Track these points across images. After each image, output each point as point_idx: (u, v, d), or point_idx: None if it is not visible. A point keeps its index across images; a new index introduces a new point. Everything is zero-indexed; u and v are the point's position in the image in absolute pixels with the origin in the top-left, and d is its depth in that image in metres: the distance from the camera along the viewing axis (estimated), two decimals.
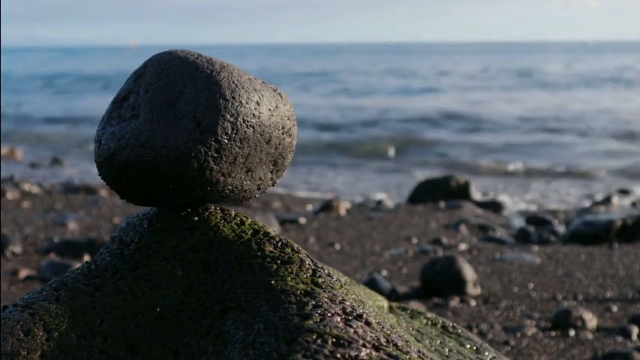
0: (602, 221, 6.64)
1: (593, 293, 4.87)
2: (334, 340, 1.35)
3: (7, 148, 14.52)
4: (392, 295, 4.67)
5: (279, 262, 1.59)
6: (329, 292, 1.52)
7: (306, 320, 1.40)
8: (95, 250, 5.71)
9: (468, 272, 4.85)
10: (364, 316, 1.47)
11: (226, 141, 1.59)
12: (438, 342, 1.87)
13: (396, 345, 1.42)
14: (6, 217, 7.51)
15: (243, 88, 1.62)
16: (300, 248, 1.66)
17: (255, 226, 1.70)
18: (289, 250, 1.64)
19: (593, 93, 26.44)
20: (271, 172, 1.74)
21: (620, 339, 4.01)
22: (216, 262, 1.62)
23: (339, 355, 1.30)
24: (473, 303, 4.65)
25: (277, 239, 1.67)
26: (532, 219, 7.86)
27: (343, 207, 8.36)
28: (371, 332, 1.41)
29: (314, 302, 1.46)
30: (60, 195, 9.33)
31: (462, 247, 6.29)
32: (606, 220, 6.65)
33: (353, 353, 1.31)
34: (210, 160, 1.59)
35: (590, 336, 4.04)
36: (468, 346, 1.92)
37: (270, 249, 1.63)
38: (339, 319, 1.42)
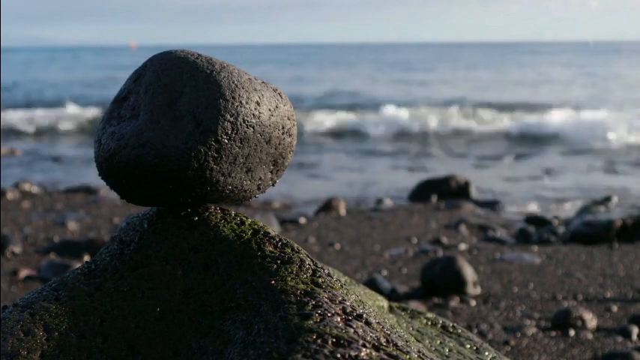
0: (602, 221, 6.64)
1: (593, 293, 4.87)
2: (334, 340, 1.35)
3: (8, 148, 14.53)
4: (392, 295, 4.67)
5: (279, 262, 1.59)
6: (329, 292, 1.52)
7: (306, 320, 1.40)
8: (95, 250, 5.71)
9: (468, 272, 4.85)
10: (364, 316, 1.47)
11: (226, 141, 1.59)
12: (438, 342, 1.87)
13: (396, 345, 1.42)
14: (6, 217, 7.51)
15: (243, 88, 1.62)
16: (300, 248, 1.66)
17: (255, 226, 1.70)
18: (289, 250, 1.64)
19: None
20: (271, 172, 1.74)
21: (620, 339, 4.01)
22: (216, 262, 1.62)
23: (339, 355, 1.30)
24: (473, 303, 4.65)
25: (277, 239, 1.67)
26: (532, 219, 7.86)
27: (343, 207, 8.36)
28: (371, 332, 1.41)
29: (314, 302, 1.46)
30: (60, 195, 9.33)
31: (462, 247, 6.29)
32: (606, 220, 6.65)
33: (353, 353, 1.31)
34: (210, 160, 1.59)
35: (590, 336, 4.04)
36: (468, 346, 1.92)
37: (270, 249, 1.63)
38: (339, 319, 1.42)
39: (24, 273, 5.34)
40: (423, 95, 25.20)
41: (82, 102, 22.44)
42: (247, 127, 1.62)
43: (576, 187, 10.23)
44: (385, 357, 1.34)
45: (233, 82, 1.61)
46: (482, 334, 4.07)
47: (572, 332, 4.08)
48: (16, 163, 13.09)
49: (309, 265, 1.60)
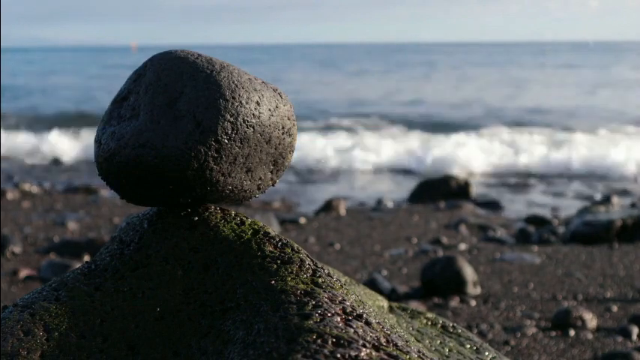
0: (602, 221, 6.64)
1: (593, 293, 4.87)
2: (334, 340, 1.35)
3: None
4: (392, 295, 4.67)
5: (279, 262, 1.59)
6: (329, 292, 1.52)
7: (306, 320, 1.40)
8: (95, 250, 5.71)
9: (468, 272, 4.85)
10: (364, 316, 1.47)
11: (226, 141, 1.59)
12: (438, 342, 1.87)
13: (396, 345, 1.42)
14: (6, 217, 7.51)
15: (243, 88, 1.62)
16: (300, 248, 1.66)
17: (255, 226, 1.70)
18: (289, 250, 1.64)
19: None
20: (271, 172, 1.74)
21: (620, 339, 4.01)
22: (216, 262, 1.62)
23: (339, 355, 1.30)
24: (473, 303, 4.65)
25: (277, 239, 1.67)
26: (532, 219, 7.86)
27: (343, 207, 8.36)
28: (371, 332, 1.41)
29: (314, 302, 1.46)
30: (60, 195, 9.33)
31: (462, 247, 6.29)
32: (606, 220, 6.65)
33: (353, 353, 1.31)
34: (210, 160, 1.59)
35: (590, 336, 4.04)
36: (468, 346, 1.92)
37: (270, 249, 1.63)
38: (339, 319, 1.42)
39: (24, 273, 5.34)
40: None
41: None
42: (247, 127, 1.62)
43: None
44: (385, 357, 1.34)
45: (233, 82, 1.61)
46: (482, 334, 4.07)
47: (572, 332, 4.08)
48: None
49: (309, 265, 1.60)
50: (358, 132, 16.59)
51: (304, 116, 18.55)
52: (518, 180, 11.46)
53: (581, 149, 13.17)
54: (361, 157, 13.34)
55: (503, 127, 16.66)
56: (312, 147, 14.03)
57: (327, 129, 17.27)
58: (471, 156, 13.02)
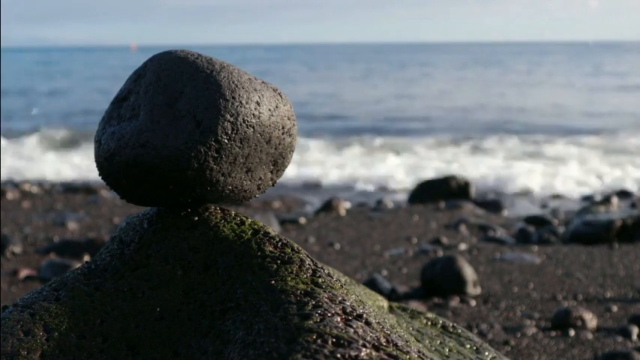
0: (602, 221, 6.64)
1: (593, 293, 4.87)
2: (334, 340, 1.35)
3: None
4: (392, 295, 4.67)
5: (279, 262, 1.59)
6: (329, 292, 1.52)
7: (306, 320, 1.40)
8: (95, 250, 5.71)
9: (468, 272, 4.85)
10: (364, 316, 1.47)
11: (226, 141, 1.59)
12: (438, 342, 1.87)
13: (396, 345, 1.42)
14: (6, 217, 7.51)
15: (243, 88, 1.62)
16: (300, 248, 1.66)
17: (255, 226, 1.70)
18: (289, 250, 1.64)
19: None
20: (271, 172, 1.74)
21: (620, 339, 4.01)
22: (216, 262, 1.62)
23: (339, 355, 1.30)
24: (473, 303, 4.65)
25: (277, 239, 1.67)
26: (532, 219, 7.86)
27: (343, 207, 8.36)
28: (371, 332, 1.41)
29: (314, 302, 1.46)
30: (60, 195, 9.33)
31: (462, 247, 6.29)
32: (606, 220, 6.65)
33: (353, 353, 1.31)
34: (210, 160, 1.59)
35: (590, 336, 4.04)
36: (468, 346, 1.92)
37: (270, 249, 1.63)
38: (339, 319, 1.42)
39: (24, 273, 5.34)
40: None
41: None
42: (247, 127, 1.62)
43: None
44: (385, 357, 1.34)
45: (233, 82, 1.61)
46: (482, 334, 4.07)
47: (572, 332, 4.08)
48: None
49: (309, 265, 1.60)
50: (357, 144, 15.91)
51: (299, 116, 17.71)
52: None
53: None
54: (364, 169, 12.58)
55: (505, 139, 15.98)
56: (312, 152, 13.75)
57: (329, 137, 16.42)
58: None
